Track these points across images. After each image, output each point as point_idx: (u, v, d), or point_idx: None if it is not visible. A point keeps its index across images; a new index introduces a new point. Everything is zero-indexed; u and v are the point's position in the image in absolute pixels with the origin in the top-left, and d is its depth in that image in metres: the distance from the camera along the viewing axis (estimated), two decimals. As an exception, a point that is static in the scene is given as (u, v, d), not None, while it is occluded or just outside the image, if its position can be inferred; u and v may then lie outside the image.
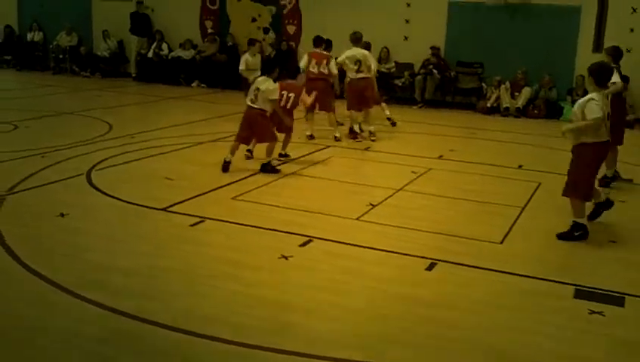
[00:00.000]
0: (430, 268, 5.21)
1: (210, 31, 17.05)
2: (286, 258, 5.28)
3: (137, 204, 6.55)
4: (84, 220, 6.14)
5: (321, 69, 10.34)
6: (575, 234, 5.96)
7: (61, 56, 17.91)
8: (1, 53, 18.85)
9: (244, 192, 7.15)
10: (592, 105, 5.74)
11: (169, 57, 16.73)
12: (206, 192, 7.08)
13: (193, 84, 16.30)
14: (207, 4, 17.00)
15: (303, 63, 10.54)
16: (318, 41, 10.71)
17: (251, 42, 12.59)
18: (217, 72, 16.07)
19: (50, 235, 5.69)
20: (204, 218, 6.19)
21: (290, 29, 16.24)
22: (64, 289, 4.56)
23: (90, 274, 4.86)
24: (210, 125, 11.17)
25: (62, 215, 6.14)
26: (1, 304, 4.38)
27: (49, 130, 10.28)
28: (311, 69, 10.35)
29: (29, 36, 18.63)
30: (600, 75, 5.90)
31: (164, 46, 16.90)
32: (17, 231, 5.68)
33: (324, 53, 10.60)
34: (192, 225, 6.02)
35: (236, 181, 7.58)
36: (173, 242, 5.66)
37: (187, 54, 16.64)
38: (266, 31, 16.41)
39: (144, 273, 4.96)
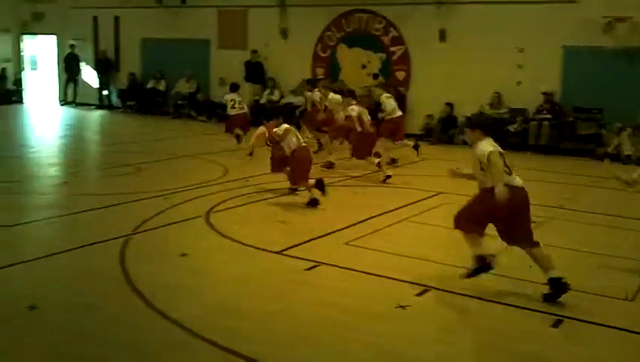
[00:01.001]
0: (556, 324, 4.96)
1: (320, 77, 17.43)
2: (403, 307, 5.19)
3: (254, 247, 6.68)
4: (203, 261, 6.34)
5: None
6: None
7: (180, 102, 18.87)
8: (125, 98, 20.12)
9: (358, 237, 7.13)
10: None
11: (280, 103, 17.22)
12: (320, 236, 7.12)
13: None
14: (319, 51, 17.44)
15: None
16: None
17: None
18: (327, 117, 16.32)
19: (172, 275, 5.89)
20: (319, 263, 6.22)
21: (400, 75, 16.33)
22: (189, 330, 4.67)
23: (210, 316, 4.97)
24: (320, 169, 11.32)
25: (183, 255, 6.35)
26: (135, 345, 4.52)
27: (169, 173, 10.73)
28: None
29: (151, 83, 19.78)
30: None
31: (276, 92, 17.44)
32: (142, 270, 5.91)
33: None
34: (306, 270, 6.06)
35: (350, 226, 7.59)
36: (287, 286, 5.71)
37: (298, 100, 17.04)
38: (375, 77, 16.59)
39: (258, 317, 5.01)
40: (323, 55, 17.42)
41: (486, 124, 5.75)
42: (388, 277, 5.87)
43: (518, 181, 5.44)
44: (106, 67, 20.68)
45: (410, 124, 15.79)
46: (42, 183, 10.10)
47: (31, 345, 4.45)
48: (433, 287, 5.63)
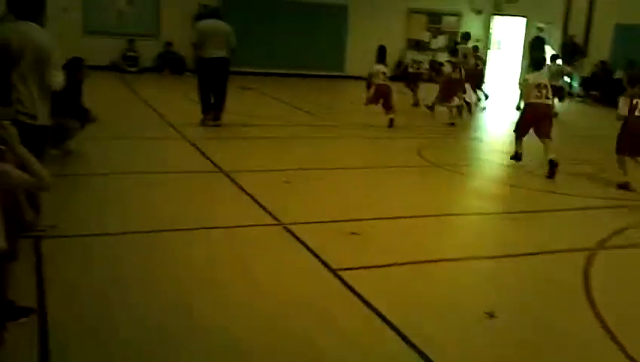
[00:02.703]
0: None
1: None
2: None
3: None
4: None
5: None
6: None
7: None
8: (589, 87, 18.97)
9: None
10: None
11: None
12: None
13: None
14: None
15: None
16: None
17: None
18: None
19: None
20: None
21: None
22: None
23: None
24: None
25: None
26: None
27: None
28: None
29: (618, 74, 18.21)
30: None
31: None
32: (608, 295, 5.15)
33: None
34: None
35: None
36: None
37: None
38: None
39: None
40: None
41: None
42: None
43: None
44: (572, 52, 19.77)
45: None
46: (484, 169, 9.93)
47: (481, 346, 4.21)
48: None
